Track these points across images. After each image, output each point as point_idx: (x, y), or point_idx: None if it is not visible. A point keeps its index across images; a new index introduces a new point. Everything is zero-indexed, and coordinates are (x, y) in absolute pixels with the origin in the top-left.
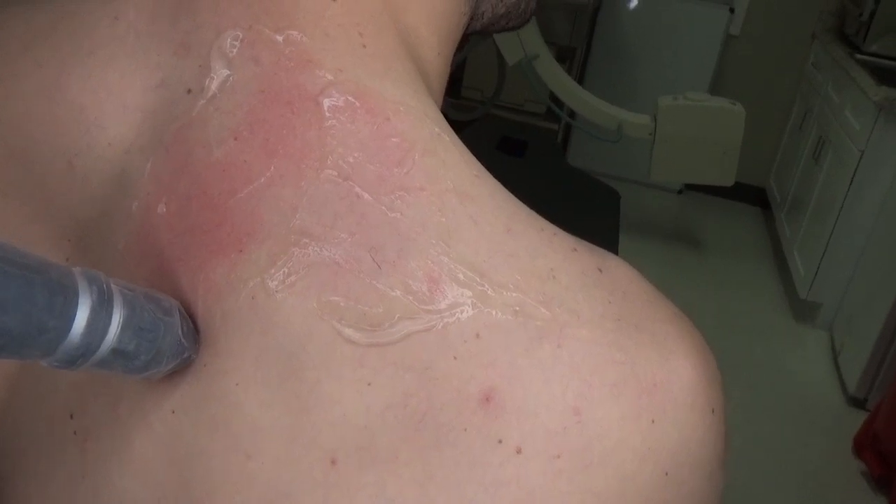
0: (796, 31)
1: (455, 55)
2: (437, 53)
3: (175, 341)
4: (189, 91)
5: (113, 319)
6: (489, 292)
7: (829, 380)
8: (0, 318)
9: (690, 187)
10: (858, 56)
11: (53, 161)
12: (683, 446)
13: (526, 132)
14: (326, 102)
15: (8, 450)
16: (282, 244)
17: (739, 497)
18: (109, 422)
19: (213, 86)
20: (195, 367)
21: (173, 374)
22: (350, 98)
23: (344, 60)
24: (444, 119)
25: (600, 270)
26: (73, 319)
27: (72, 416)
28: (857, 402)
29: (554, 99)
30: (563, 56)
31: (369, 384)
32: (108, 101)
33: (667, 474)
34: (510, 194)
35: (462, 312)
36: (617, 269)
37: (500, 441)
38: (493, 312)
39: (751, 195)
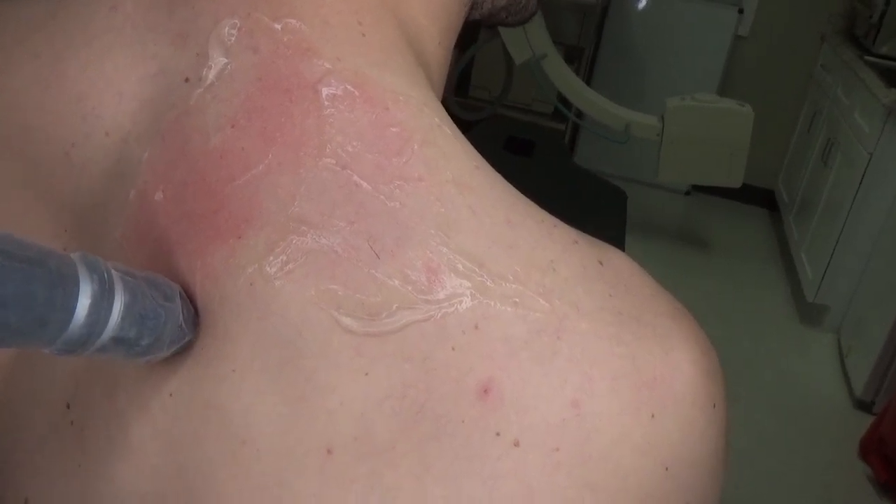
0: (806, 33)
1: (462, 54)
2: (437, 44)
3: (176, 326)
4: (186, 80)
5: (114, 308)
6: (488, 283)
7: (835, 383)
8: (1, 313)
9: (698, 188)
10: (868, 58)
11: (50, 151)
12: (684, 441)
13: (533, 132)
14: (325, 91)
15: (5, 441)
16: (280, 231)
17: (743, 498)
18: (106, 409)
19: (211, 74)
20: (194, 350)
21: (173, 358)
22: (349, 87)
23: (343, 49)
24: (443, 110)
25: (601, 263)
26: (74, 311)
27: (68, 406)
28: (863, 406)
29: (562, 99)
30: (572, 56)
31: (367, 374)
32: (105, 90)
33: (667, 469)
34: (510, 186)
35: (461, 303)
36: (618, 263)
37: (497, 434)
38: (493, 303)
39: (758, 197)
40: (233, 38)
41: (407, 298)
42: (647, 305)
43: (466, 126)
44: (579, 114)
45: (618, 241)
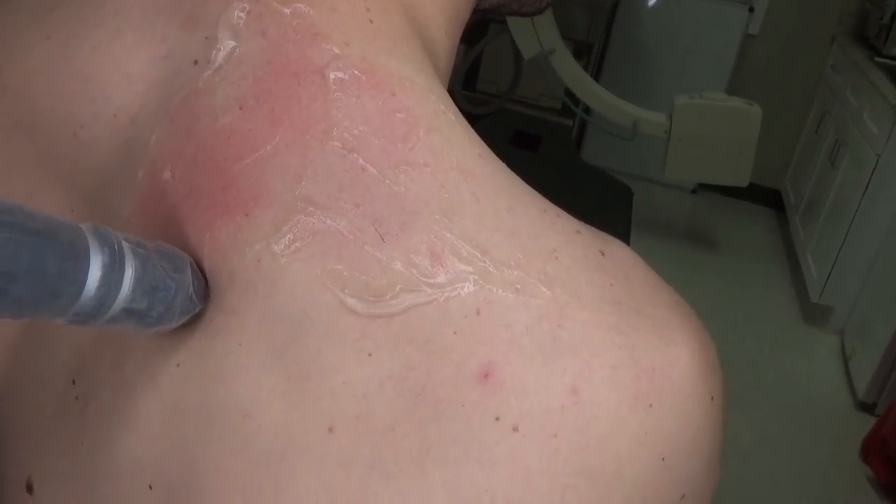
0: (816, 33)
1: (472, 48)
2: (444, 32)
3: (186, 297)
4: (195, 62)
5: (125, 280)
6: (490, 269)
7: (838, 384)
8: (14, 287)
9: (704, 187)
10: (878, 59)
11: (59, 132)
12: (681, 433)
13: (540, 127)
14: (332, 75)
15: (8, 419)
16: (287, 211)
17: (744, 497)
18: (112, 383)
19: (220, 57)
20: (202, 322)
21: (181, 329)
22: (356, 72)
23: (351, 35)
24: (449, 97)
25: (603, 254)
26: (85, 283)
27: (74, 382)
28: (866, 408)
29: (569, 94)
30: (580, 52)
31: (370, 354)
32: (114, 72)
33: (663, 460)
34: (514, 175)
35: (463, 288)
36: (620, 254)
37: (497, 418)
38: (495, 289)
39: (765, 197)
40: (242, 22)
41: (411, 281)
42: (648, 297)
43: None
44: (587, 110)
45: (623, 238)
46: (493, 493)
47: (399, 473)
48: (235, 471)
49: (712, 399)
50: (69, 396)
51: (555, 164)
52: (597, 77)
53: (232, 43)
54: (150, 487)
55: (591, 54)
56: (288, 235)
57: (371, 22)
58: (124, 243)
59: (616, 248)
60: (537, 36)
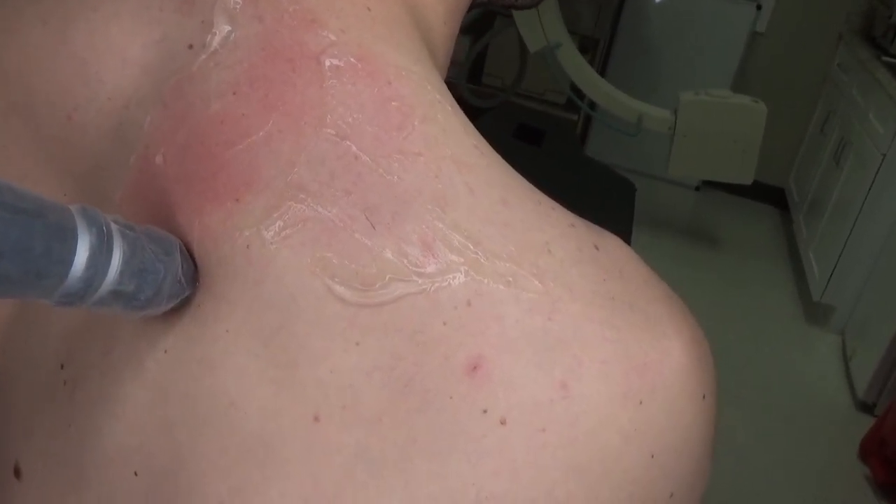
0: (823, 32)
1: (477, 41)
2: (442, 22)
3: (175, 281)
4: (190, 47)
5: (112, 262)
6: (482, 261)
7: (838, 384)
8: (0, 264)
9: (708, 184)
10: (885, 58)
11: (53, 115)
12: (671, 429)
13: (544, 121)
14: (328, 62)
15: None
16: (278, 197)
17: (741, 496)
18: (100, 368)
19: (215, 41)
20: (191, 307)
21: (169, 315)
22: (352, 59)
23: (348, 21)
24: (446, 87)
25: (597, 248)
26: (72, 264)
27: (62, 367)
28: (865, 408)
29: (574, 89)
30: (586, 47)
31: (357, 344)
32: (109, 55)
33: (653, 456)
34: (510, 167)
35: (454, 279)
36: (614, 248)
37: (484, 411)
38: (486, 281)
39: (769, 195)
40: (238, 7)
41: (401, 271)
42: (641, 292)
43: (477, 113)
44: (592, 104)
45: (625, 234)
46: (480, 486)
47: (385, 464)
48: (221, 458)
49: (704, 397)
50: (58, 381)
51: (558, 159)
52: (602, 72)
53: (227, 28)
54: (136, 474)
55: (597, 49)
56: (278, 222)
57: (369, 10)
58: (113, 225)
59: (610, 243)
60: (543, 30)
